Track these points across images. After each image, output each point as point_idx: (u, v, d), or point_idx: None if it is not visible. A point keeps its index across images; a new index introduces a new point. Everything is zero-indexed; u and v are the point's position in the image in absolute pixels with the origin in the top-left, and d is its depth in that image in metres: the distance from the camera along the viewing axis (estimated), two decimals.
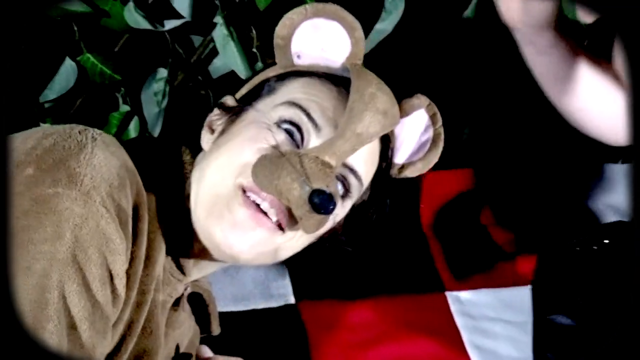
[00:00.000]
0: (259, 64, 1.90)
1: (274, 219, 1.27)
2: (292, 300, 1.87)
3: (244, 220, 1.26)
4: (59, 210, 1.13)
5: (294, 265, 1.91)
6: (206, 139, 1.36)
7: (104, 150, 1.19)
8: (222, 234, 1.27)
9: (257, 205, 1.27)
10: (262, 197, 1.26)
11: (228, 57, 1.87)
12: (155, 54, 1.89)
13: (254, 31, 1.89)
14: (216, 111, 1.38)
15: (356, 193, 1.34)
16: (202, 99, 1.95)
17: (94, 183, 1.15)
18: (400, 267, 1.95)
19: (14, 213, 1.12)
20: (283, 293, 1.88)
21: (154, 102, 1.89)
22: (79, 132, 1.20)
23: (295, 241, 1.31)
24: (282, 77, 1.38)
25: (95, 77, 1.83)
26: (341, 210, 1.34)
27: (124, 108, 1.89)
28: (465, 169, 2.05)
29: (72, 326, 1.13)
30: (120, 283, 1.18)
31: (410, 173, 1.44)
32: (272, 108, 1.32)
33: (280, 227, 1.28)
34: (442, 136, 1.43)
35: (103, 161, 1.17)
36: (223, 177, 1.28)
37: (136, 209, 1.21)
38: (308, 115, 1.31)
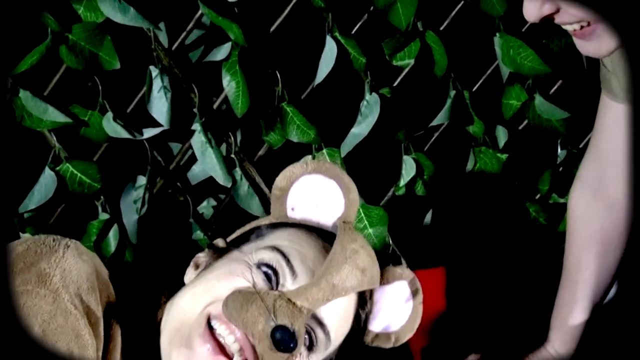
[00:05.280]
0: (238, 170, 1.91)
1: (236, 356, 1.27)
2: None
3: (201, 354, 1.27)
4: (27, 306, 1.15)
5: None
6: (189, 275, 1.40)
7: (76, 256, 1.21)
8: None
9: (218, 342, 1.28)
10: (231, 329, 1.28)
11: (207, 164, 1.88)
12: (134, 162, 1.90)
13: (232, 137, 1.91)
14: (206, 251, 1.42)
15: (322, 348, 1.35)
16: (182, 206, 1.96)
17: (63, 282, 1.18)
18: None
19: None
20: None
21: (133, 210, 1.89)
22: (53, 240, 1.23)
23: None
24: (274, 226, 1.42)
25: (75, 186, 1.84)
26: None
27: (103, 216, 1.89)
28: (440, 268, 2.06)
29: None
30: None
31: (383, 343, 1.47)
32: (255, 250, 1.35)
33: None
34: (420, 313, 1.47)
35: (73, 265, 1.20)
36: (193, 304, 1.31)
37: (108, 318, 1.22)
38: (287, 260, 1.34)
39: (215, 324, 1.29)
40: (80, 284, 1.18)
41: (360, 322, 1.42)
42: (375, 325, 1.46)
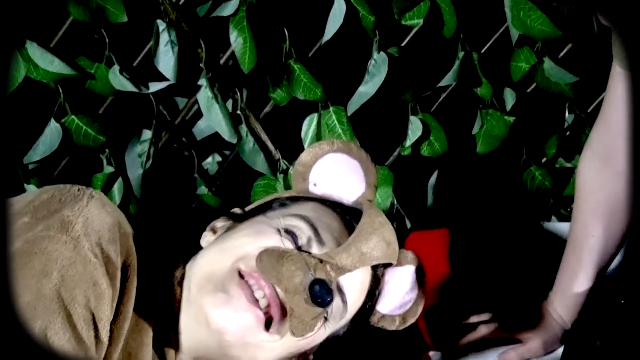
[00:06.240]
0: (244, 127, 1.91)
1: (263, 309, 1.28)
2: None
3: (239, 299, 1.27)
4: (48, 251, 1.15)
5: None
6: (207, 239, 1.41)
7: (100, 207, 1.22)
8: (213, 306, 1.28)
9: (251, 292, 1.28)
10: (260, 285, 1.28)
11: (212, 120, 1.88)
12: (139, 116, 1.90)
13: (238, 93, 1.91)
14: (222, 218, 1.43)
15: (339, 317, 1.36)
16: (187, 161, 1.96)
17: (85, 231, 1.18)
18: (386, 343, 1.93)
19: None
20: None
21: (139, 164, 1.89)
22: (78, 190, 1.24)
23: (273, 345, 1.31)
24: (297, 199, 1.44)
25: (80, 139, 1.84)
26: (322, 331, 1.34)
27: (108, 169, 1.89)
28: (444, 229, 2.05)
29: None
30: (104, 329, 1.20)
31: (388, 325, 1.48)
32: (282, 217, 1.36)
33: (266, 325, 1.28)
34: (424, 300, 1.48)
35: (97, 215, 1.21)
36: (223, 258, 1.31)
37: (125, 270, 1.22)
38: (315, 229, 1.35)
39: (247, 279, 1.29)
40: (102, 234, 1.19)
41: (372, 300, 1.43)
42: (383, 306, 1.47)
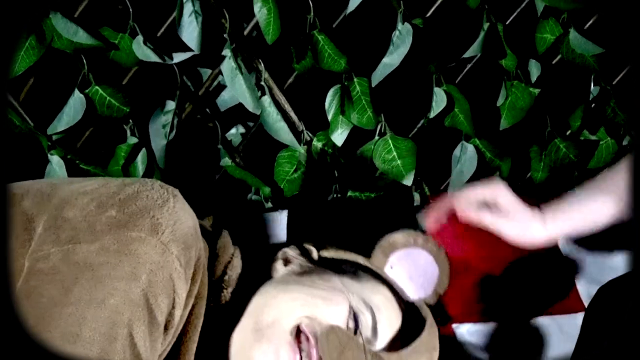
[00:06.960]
0: (267, 97, 1.91)
1: None
2: None
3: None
4: (138, 254, 1.18)
5: None
6: (279, 268, 1.46)
7: (183, 209, 1.25)
8: (262, 354, 1.33)
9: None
10: (310, 354, 1.34)
11: (236, 90, 1.88)
12: (163, 87, 1.90)
13: (262, 64, 1.90)
14: (296, 250, 1.49)
15: None
16: (210, 132, 1.96)
17: (173, 236, 1.21)
18: None
19: (91, 248, 1.17)
20: None
21: (162, 134, 1.89)
22: (160, 186, 1.27)
23: None
24: (372, 274, 1.50)
25: (104, 109, 1.83)
26: None
27: (132, 140, 1.89)
28: None
29: None
30: (169, 335, 1.25)
31: None
32: (358, 295, 1.42)
33: None
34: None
35: (183, 218, 1.24)
36: (292, 311, 1.36)
37: (194, 273, 1.26)
38: (375, 325, 1.41)
39: (302, 338, 1.36)
40: (187, 238, 1.22)
41: None
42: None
